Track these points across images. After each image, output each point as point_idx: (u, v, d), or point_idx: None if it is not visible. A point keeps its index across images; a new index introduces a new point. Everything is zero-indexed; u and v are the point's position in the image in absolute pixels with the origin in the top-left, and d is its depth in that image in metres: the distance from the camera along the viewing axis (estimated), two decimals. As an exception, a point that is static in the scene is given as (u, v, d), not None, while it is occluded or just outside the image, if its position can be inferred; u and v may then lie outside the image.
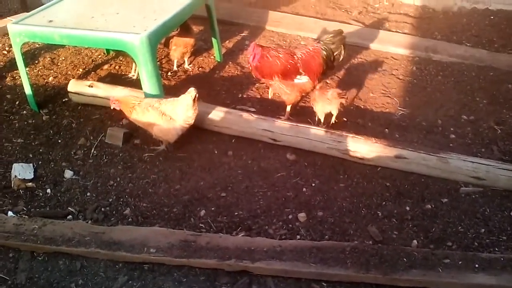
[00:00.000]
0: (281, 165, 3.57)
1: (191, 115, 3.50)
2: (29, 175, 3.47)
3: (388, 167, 3.49)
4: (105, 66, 4.83)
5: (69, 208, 3.22)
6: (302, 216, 3.11)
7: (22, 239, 2.88)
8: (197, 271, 2.75)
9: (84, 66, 4.83)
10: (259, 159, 3.64)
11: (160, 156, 3.66)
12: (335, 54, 3.91)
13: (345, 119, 4.01)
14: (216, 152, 3.72)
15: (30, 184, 3.41)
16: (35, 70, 4.75)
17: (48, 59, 4.95)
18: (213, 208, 3.19)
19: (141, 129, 3.69)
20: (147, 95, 3.68)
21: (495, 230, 3.00)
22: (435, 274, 2.62)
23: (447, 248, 2.89)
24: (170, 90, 4.14)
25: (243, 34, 5.48)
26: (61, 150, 3.75)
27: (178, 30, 4.53)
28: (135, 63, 4.25)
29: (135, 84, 4.15)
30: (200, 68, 4.81)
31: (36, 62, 4.90)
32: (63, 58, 4.98)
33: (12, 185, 3.39)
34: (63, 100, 4.30)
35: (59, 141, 3.86)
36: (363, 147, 3.49)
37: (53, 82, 4.58)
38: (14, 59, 4.04)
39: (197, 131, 3.86)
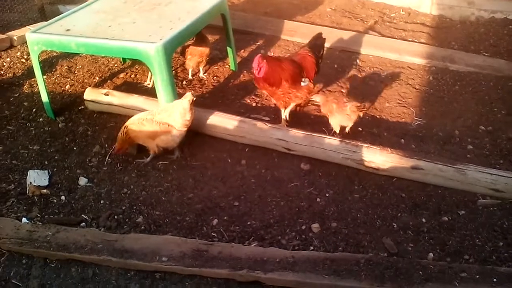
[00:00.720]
0: (295, 175, 3.54)
1: (189, 119, 3.54)
2: (44, 182, 3.49)
3: (404, 178, 3.44)
4: (121, 75, 4.88)
5: (83, 215, 3.22)
6: (315, 226, 3.08)
7: (35, 246, 2.90)
8: (209, 281, 2.73)
9: (100, 74, 4.88)
10: (272, 168, 3.61)
11: (173, 164, 3.66)
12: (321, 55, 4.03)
13: (360, 128, 3.97)
14: (229, 161, 3.71)
15: (45, 191, 3.43)
16: (52, 78, 4.81)
17: (65, 67, 5.02)
18: (225, 217, 3.18)
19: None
20: (162, 103, 3.70)
21: (514, 244, 2.93)
22: (451, 288, 2.55)
23: (464, 261, 2.82)
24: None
25: (258, 43, 5.49)
26: (76, 157, 3.78)
27: (194, 39, 4.56)
28: (150, 71, 4.28)
29: (151, 92, 4.17)
30: (215, 77, 4.82)
31: (54, 70, 4.96)
32: (80, 66, 5.04)
33: (27, 192, 3.42)
34: (79, 107, 4.34)
35: (74, 148, 3.89)
36: (378, 157, 3.44)
37: (69, 90, 4.63)
38: (32, 67, 4.10)
39: (211, 140, 3.86)
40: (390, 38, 5.54)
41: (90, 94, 4.22)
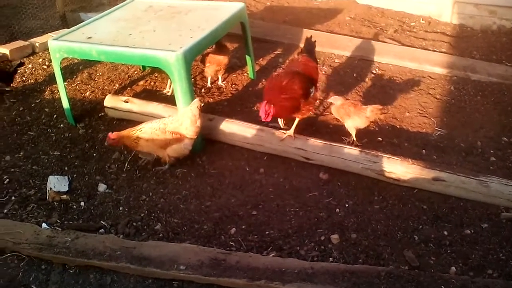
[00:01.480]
0: (314, 184, 3.51)
1: (200, 125, 3.56)
2: (64, 187, 3.52)
3: (425, 190, 3.38)
4: (141, 82, 4.91)
5: (102, 222, 3.24)
6: (335, 237, 3.03)
7: (54, 252, 2.91)
8: (226, 291, 2.71)
9: (120, 82, 4.93)
10: (291, 177, 3.59)
11: (192, 172, 3.66)
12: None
13: (380, 138, 3.93)
14: (247, 169, 3.69)
15: (64, 196, 3.46)
16: (73, 85, 4.87)
17: (86, 74, 5.07)
18: (243, 226, 3.15)
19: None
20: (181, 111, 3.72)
21: (539, 259, 2.85)
22: (475, 304, 2.50)
23: (487, 276, 2.75)
24: (203, 106, 4.15)
25: (276, 51, 5.48)
26: (96, 164, 3.80)
27: (213, 47, 4.57)
28: (170, 79, 4.30)
29: (170, 100, 4.19)
30: (233, 85, 4.82)
31: (75, 77, 5.02)
32: (100, 73, 5.09)
33: (47, 197, 3.45)
34: (99, 114, 4.38)
35: (94, 154, 3.91)
36: (399, 168, 3.40)
37: (90, 97, 4.68)
38: (53, 73, 4.15)
39: (229, 148, 3.86)
40: (410, 47, 5.49)
41: (110, 101, 4.26)
